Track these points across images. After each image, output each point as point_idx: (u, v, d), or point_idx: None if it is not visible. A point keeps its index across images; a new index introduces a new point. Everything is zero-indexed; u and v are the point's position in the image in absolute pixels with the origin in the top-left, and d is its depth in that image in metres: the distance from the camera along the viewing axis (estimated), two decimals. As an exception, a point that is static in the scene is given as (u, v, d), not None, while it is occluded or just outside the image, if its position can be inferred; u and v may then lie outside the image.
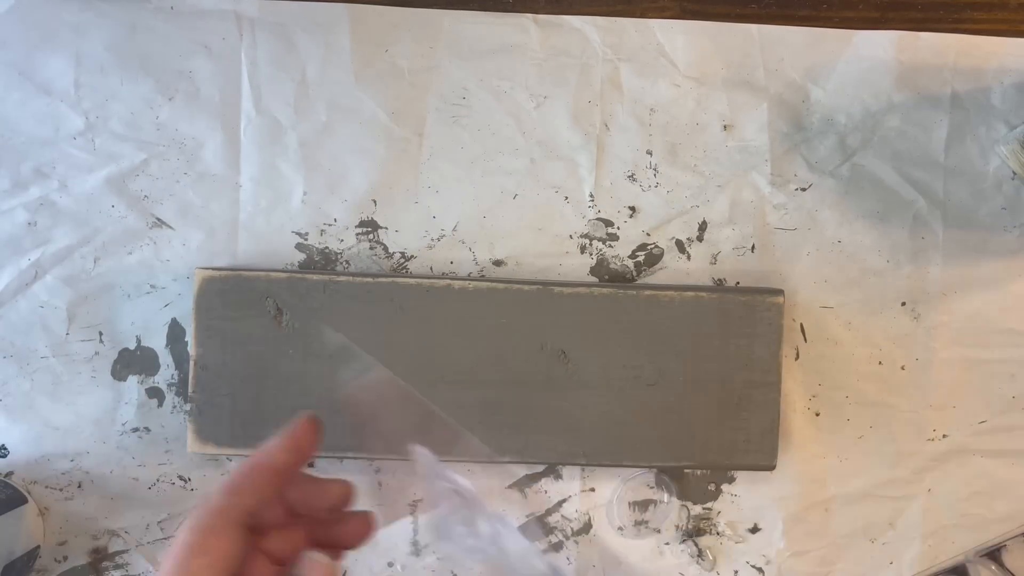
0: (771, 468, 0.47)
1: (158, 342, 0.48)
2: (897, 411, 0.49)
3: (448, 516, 0.37)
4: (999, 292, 0.49)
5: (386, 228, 0.48)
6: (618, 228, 0.49)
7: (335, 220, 0.48)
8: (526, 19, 0.48)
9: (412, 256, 0.48)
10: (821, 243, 0.49)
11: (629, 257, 0.49)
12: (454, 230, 0.48)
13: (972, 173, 0.49)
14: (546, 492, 0.49)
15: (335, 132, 0.48)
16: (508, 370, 0.46)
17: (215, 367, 0.46)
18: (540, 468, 0.49)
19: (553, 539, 0.49)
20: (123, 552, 0.48)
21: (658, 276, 0.49)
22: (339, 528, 0.34)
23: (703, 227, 0.49)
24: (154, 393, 0.48)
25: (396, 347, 0.46)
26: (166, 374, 0.48)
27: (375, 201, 0.48)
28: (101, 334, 0.47)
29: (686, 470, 0.49)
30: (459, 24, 0.48)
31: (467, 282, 0.46)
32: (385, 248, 0.48)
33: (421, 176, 0.48)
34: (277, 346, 0.46)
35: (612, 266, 0.49)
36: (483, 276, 0.48)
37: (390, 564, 0.49)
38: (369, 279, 0.46)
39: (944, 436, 0.49)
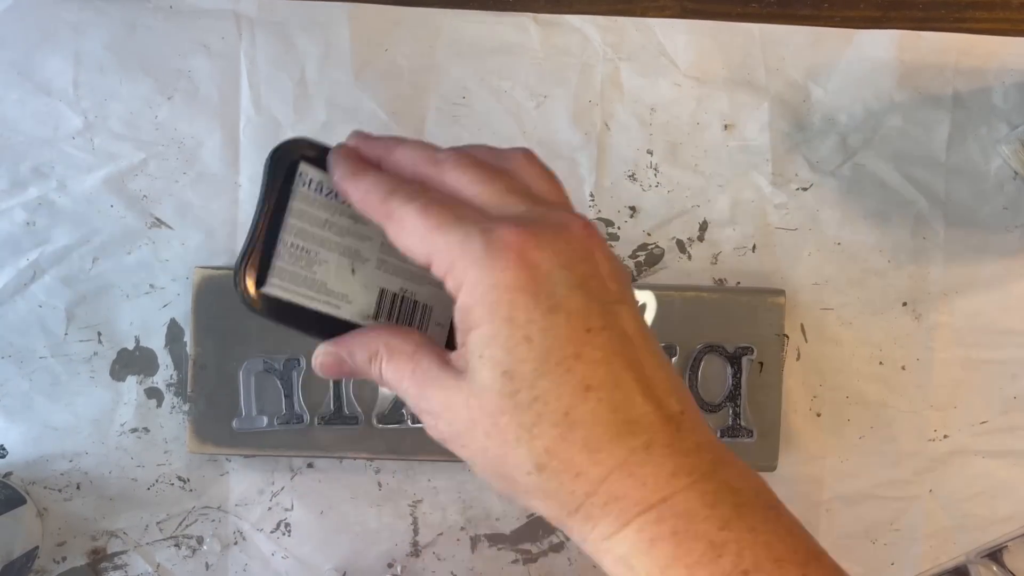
0: (772, 469, 0.47)
1: (157, 342, 0.48)
2: (898, 411, 0.49)
3: None
4: (1000, 292, 0.49)
5: (386, 228, 0.48)
6: (619, 228, 0.48)
7: (335, 220, 0.48)
8: (526, 18, 0.48)
9: (412, 256, 0.48)
10: (822, 243, 0.49)
11: (630, 257, 0.49)
12: (454, 230, 0.48)
13: (974, 173, 0.49)
14: (546, 493, 0.49)
15: (334, 132, 0.47)
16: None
17: (214, 367, 0.45)
18: (540, 469, 0.49)
19: (554, 539, 0.49)
20: (122, 553, 0.48)
21: (659, 276, 0.49)
22: None
23: (704, 227, 0.49)
24: (153, 393, 0.48)
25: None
26: (165, 374, 0.48)
27: (375, 201, 0.48)
28: (100, 334, 0.47)
29: (687, 471, 0.49)
30: (459, 23, 0.48)
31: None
32: (385, 248, 0.48)
33: (421, 176, 0.48)
34: (276, 346, 0.46)
35: (612, 266, 0.48)
36: (483, 276, 0.48)
37: (390, 564, 0.48)
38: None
39: (945, 436, 0.49)
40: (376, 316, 0.34)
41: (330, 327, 0.34)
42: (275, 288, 0.34)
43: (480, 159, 0.31)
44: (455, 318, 0.29)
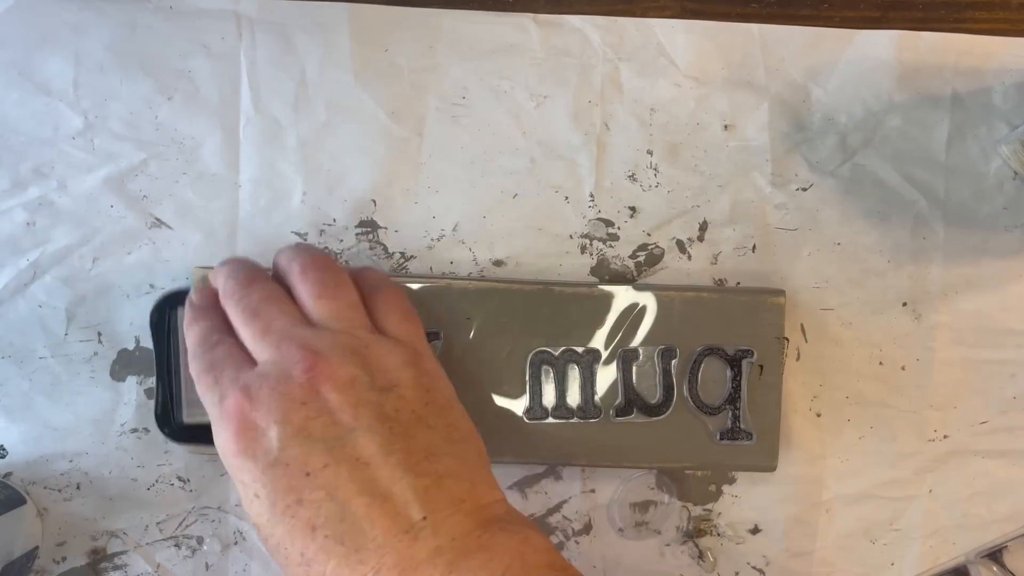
0: (772, 469, 0.47)
1: (157, 342, 0.48)
2: (898, 412, 0.49)
3: None
4: (1000, 292, 0.49)
5: (386, 228, 0.48)
6: (618, 228, 0.48)
7: (334, 220, 0.48)
8: (526, 19, 0.48)
9: (412, 256, 0.48)
10: (822, 243, 0.49)
11: (630, 257, 0.49)
12: (454, 230, 0.48)
13: (973, 173, 0.49)
14: (546, 493, 0.49)
15: (334, 132, 0.47)
16: (508, 370, 0.46)
17: (214, 367, 0.45)
18: (540, 469, 0.49)
19: (554, 540, 0.49)
20: (122, 553, 0.48)
21: (659, 276, 0.49)
22: None
23: (704, 227, 0.49)
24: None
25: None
26: (165, 374, 0.48)
27: (375, 201, 0.48)
28: (100, 334, 0.47)
29: (687, 471, 0.49)
30: (459, 24, 0.48)
31: (467, 282, 0.46)
32: (385, 248, 0.48)
33: (421, 176, 0.48)
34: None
35: (612, 266, 0.49)
36: (483, 276, 0.48)
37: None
38: (369, 279, 0.46)
39: (945, 437, 0.49)
40: None
41: None
42: (193, 417, 0.41)
43: (255, 295, 0.37)
44: None
